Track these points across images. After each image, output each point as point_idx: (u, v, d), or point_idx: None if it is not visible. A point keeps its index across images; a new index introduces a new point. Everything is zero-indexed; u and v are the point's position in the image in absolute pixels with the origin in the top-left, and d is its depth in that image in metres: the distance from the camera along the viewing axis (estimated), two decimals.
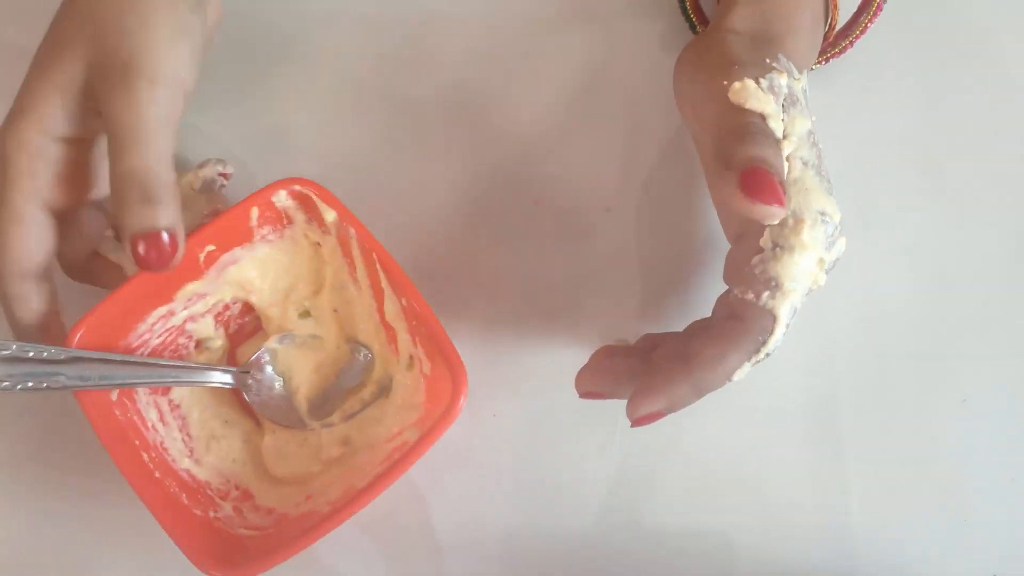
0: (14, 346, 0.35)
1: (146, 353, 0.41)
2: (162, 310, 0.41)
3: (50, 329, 0.37)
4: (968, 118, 0.46)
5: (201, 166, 0.43)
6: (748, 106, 0.33)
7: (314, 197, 0.40)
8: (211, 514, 0.39)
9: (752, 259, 0.33)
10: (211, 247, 0.40)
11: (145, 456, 0.39)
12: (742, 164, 0.31)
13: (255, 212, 0.40)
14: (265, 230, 0.41)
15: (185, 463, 0.41)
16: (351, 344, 0.43)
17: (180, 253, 0.35)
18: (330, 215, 0.40)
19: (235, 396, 0.43)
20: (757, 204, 0.31)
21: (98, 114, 0.35)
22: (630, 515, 0.42)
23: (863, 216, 0.44)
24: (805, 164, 0.34)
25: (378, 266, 0.40)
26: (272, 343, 0.43)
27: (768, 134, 0.33)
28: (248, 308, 0.44)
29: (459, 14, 0.48)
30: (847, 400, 0.43)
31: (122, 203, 0.34)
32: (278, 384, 0.43)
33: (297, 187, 0.40)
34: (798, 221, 0.33)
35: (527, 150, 0.46)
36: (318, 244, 0.43)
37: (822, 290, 0.35)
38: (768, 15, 0.38)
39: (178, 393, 0.42)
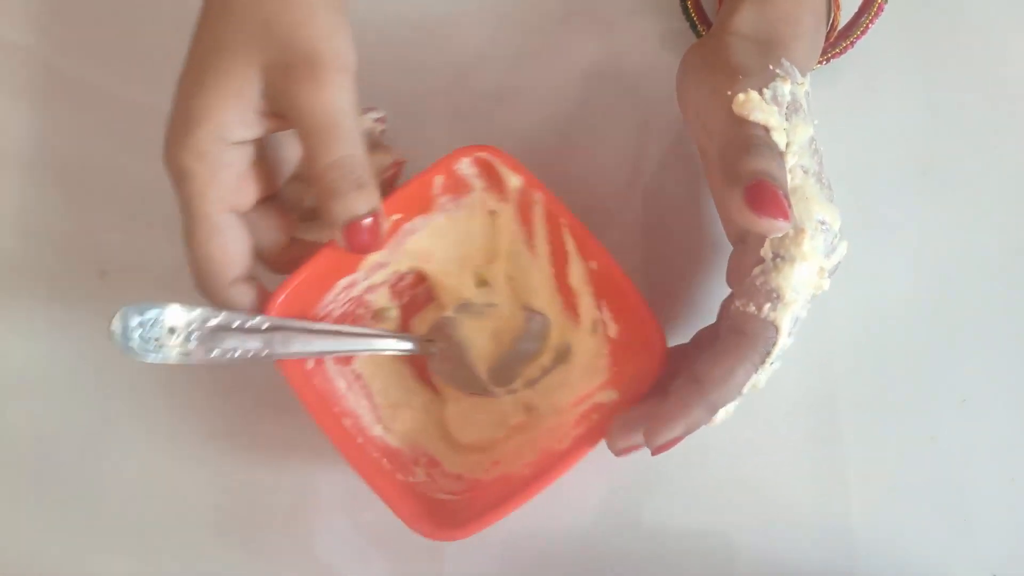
0: (222, 314, 0.36)
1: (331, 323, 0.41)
2: (346, 280, 0.41)
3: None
4: (968, 118, 0.46)
5: None
6: (752, 118, 0.33)
7: (497, 164, 0.40)
8: (411, 479, 0.40)
9: (753, 270, 0.34)
10: (397, 216, 0.40)
11: (346, 422, 0.39)
12: (747, 178, 0.32)
13: (439, 180, 0.40)
14: (444, 199, 0.42)
15: (377, 430, 0.41)
16: (526, 311, 0.43)
17: (385, 234, 0.37)
18: (514, 181, 0.40)
19: (411, 367, 0.44)
20: (763, 218, 0.31)
21: (271, 115, 0.36)
22: (630, 515, 0.43)
23: (863, 216, 0.43)
24: (806, 172, 0.34)
25: (565, 231, 0.40)
26: (451, 312, 0.43)
27: (772, 147, 0.33)
28: (420, 279, 0.44)
29: (459, 14, 0.48)
30: (847, 400, 0.43)
31: (336, 193, 0.35)
32: (460, 353, 0.43)
33: (479, 153, 0.40)
34: (798, 232, 0.33)
35: (529, 150, 0.46)
36: (493, 212, 0.43)
37: (823, 290, 0.35)
38: (772, 18, 0.38)
39: (359, 364, 0.43)
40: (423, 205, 0.41)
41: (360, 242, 0.36)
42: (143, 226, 0.46)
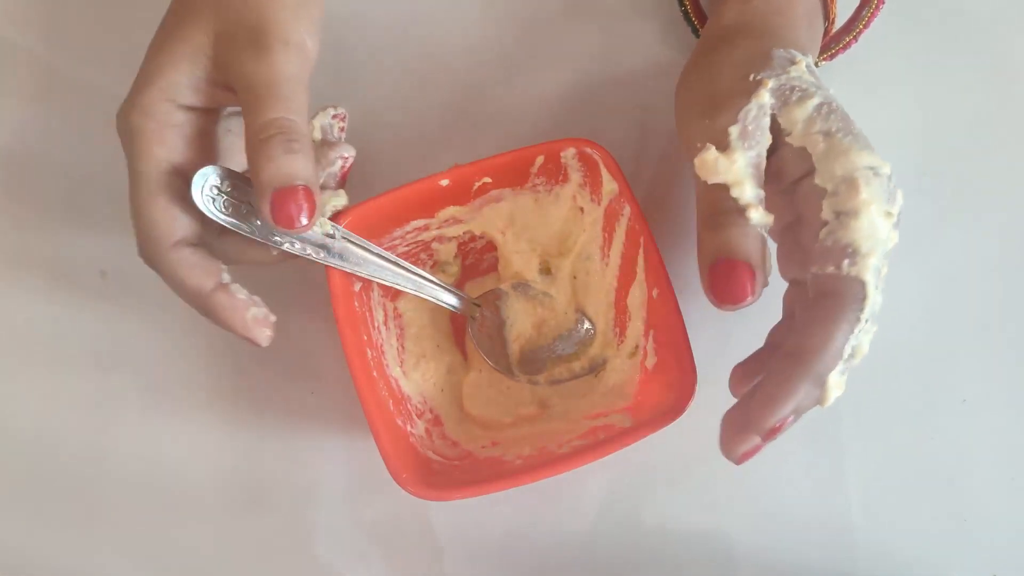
0: None
1: None
2: (420, 222, 0.42)
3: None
4: (968, 118, 0.46)
5: (313, 115, 0.42)
6: (711, 182, 0.34)
7: (601, 164, 0.40)
8: (408, 428, 0.40)
9: (820, 233, 0.33)
10: (487, 179, 0.41)
11: (369, 353, 0.40)
12: (709, 258, 0.34)
13: (540, 160, 0.41)
14: (539, 180, 0.42)
15: (395, 371, 0.42)
16: (578, 314, 0.44)
17: (317, 214, 0.34)
18: (611, 186, 0.41)
19: (452, 326, 0.44)
20: (724, 306, 0.33)
21: (223, 85, 0.36)
22: (630, 515, 0.43)
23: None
24: (827, 134, 0.33)
25: (641, 252, 0.40)
26: (507, 287, 0.44)
27: (732, 211, 0.33)
28: (491, 247, 0.44)
29: (459, 14, 0.48)
30: (847, 400, 0.43)
31: (263, 154, 0.33)
32: (501, 326, 0.43)
33: (588, 149, 0.40)
34: (851, 183, 0.32)
35: None
36: (582, 209, 0.43)
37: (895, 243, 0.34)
38: (761, 9, 0.38)
39: (403, 303, 0.43)
40: (517, 178, 0.42)
41: (287, 213, 0.33)
42: None
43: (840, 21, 0.42)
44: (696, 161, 0.34)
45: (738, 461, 0.33)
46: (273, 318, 0.37)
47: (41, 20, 0.48)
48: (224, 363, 0.45)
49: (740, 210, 0.33)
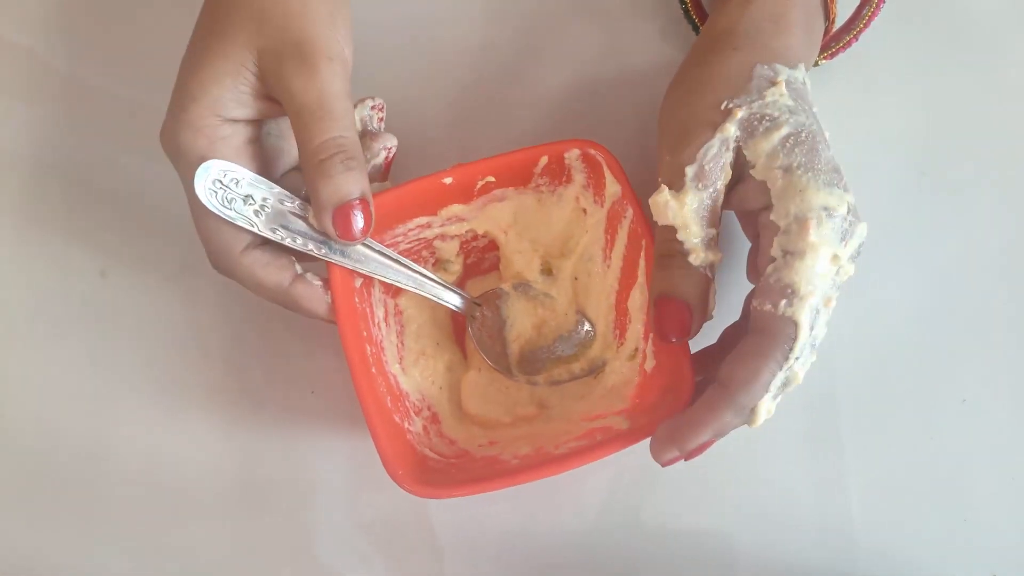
0: (297, 202, 0.37)
1: None
2: (422, 220, 0.42)
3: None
4: (968, 118, 0.46)
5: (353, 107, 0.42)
6: (660, 224, 0.36)
7: (605, 166, 0.40)
8: (406, 425, 0.40)
9: (767, 268, 0.34)
10: (490, 178, 0.41)
11: (368, 349, 0.40)
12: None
13: (543, 160, 0.41)
14: (543, 180, 0.42)
15: (394, 368, 0.42)
16: (578, 316, 0.44)
17: (373, 221, 0.37)
18: (614, 188, 0.41)
19: (452, 324, 0.45)
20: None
21: (266, 98, 0.36)
22: (630, 515, 0.43)
23: (863, 216, 0.43)
24: (787, 170, 0.34)
25: (643, 255, 0.40)
26: (508, 286, 0.44)
27: (676, 253, 0.36)
28: (493, 246, 0.44)
29: (461, 15, 0.48)
30: (847, 400, 0.43)
31: (323, 174, 0.35)
32: (501, 326, 0.43)
33: (592, 151, 0.40)
34: (802, 224, 0.33)
35: None
36: (584, 211, 0.43)
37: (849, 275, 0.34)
38: (755, 14, 0.38)
39: (405, 301, 0.43)
40: (520, 178, 0.42)
41: (347, 226, 0.36)
42: (143, 226, 0.46)
43: (841, 20, 0.42)
44: (649, 201, 0.36)
45: (663, 465, 0.36)
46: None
47: (41, 20, 0.48)
48: (224, 363, 0.45)
49: (684, 253, 0.35)
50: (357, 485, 0.43)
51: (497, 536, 0.43)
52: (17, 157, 0.47)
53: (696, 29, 0.45)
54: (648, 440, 0.36)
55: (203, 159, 0.35)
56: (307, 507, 0.43)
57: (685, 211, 0.35)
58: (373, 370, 0.39)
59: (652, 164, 0.45)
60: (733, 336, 0.38)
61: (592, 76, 0.47)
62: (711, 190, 0.35)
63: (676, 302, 0.35)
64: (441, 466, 0.39)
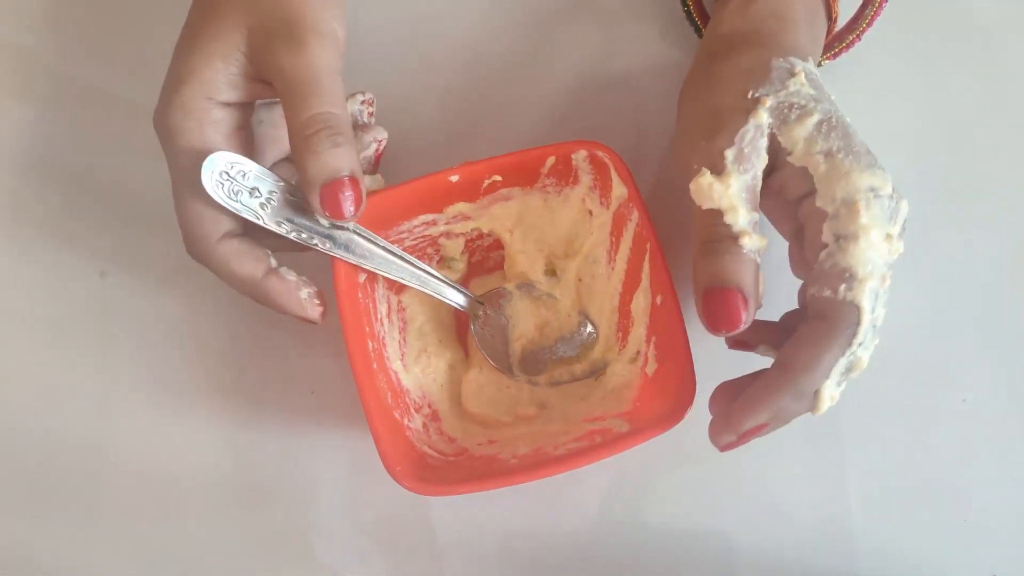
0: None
1: None
2: (428, 217, 0.42)
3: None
4: (968, 119, 0.46)
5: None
6: (705, 208, 0.34)
7: (612, 168, 0.40)
8: (405, 422, 0.40)
9: (820, 255, 0.33)
10: (497, 177, 0.41)
11: (370, 345, 0.40)
12: (703, 283, 0.34)
13: (550, 161, 0.41)
14: (549, 180, 0.42)
15: (396, 364, 0.42)
16: (581, 317, 0.44)
17: (363, 202, 0.36)
18: (620, 190, 0.40)
19: (455, 322, 0.45)
20: (718, 332, 0.34)
21: (258, 79, 0.36)
22: (630, 515, 0.43)
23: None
24: (828, 154, 0.34)
25: (646, 258, 0.40)
26: (511, 286, 0.44)
27: (725, 238, 0.34)
28: (498, 245, 0.45)
29: (463, 14, 0.48)
30: (847, 400, 0.43)
31: (310, 149, 0.34)
32: (504, 326, 0.44)
33: (600, 152, 0.40)
34: (851, 208, 0.33)
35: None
36: (590, 212, 0.43)
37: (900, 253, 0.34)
38: (756, 14, 0.38)
39: (408, 298, 0.43)
40: (527, 178, 0.42)
41: (336, 204, 0.35)
42: (143, 226, 0.46)
43: (843, 20, 0.42)
44: (692, 186, 0.35)
45: (721, 450, 0.35)
46: (319, 296, 0.38)
47: (41, 20, 0.48)
48: (224, 363, 0.45)
49: (734, 237, 0.34)
50: (357, 485, 0.43)
51: (497, 536, 0.43)
52: (18, 157, 0.47)
53: (698, 31, 0.45)
54: (648, 443, 0.36)
55: (191, 142, 0.35)
56: (307, 507, 0.43)
57: (730, 193, 0.34)
58: (374, 366, 0.39)
59: (652, 164, 0.45)
60: (792, 321, 0.37)
61: (592, 76, 0.47)
62: (751, 174, 0.34)
63: (729, 291, 0.34)
64: (440, 464, 0.39)
